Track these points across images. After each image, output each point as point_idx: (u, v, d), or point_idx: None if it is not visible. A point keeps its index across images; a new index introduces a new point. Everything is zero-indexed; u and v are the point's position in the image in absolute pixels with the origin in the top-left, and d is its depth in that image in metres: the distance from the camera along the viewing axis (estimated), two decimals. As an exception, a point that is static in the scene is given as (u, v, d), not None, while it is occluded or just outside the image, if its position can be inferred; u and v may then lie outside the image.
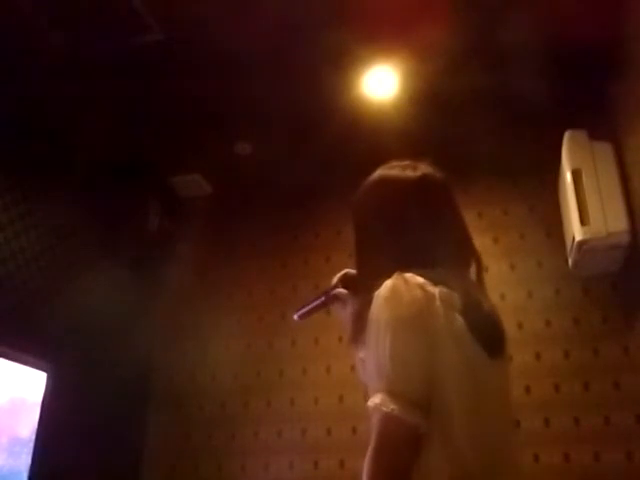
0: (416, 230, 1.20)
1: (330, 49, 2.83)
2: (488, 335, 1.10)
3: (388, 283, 1.08)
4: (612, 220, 2.76)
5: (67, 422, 2.97)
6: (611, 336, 3.04)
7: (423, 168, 1.28)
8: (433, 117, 3.25)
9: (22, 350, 2.86)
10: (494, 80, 2.92)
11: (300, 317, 1.56)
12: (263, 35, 2.80)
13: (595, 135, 2.94)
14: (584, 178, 2.84)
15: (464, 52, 2.83)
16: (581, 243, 2.77)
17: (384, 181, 1.29)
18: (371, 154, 3.43)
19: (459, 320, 1.06)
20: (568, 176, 2.88)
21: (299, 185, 3.73)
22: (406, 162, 1.31)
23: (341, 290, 1.43)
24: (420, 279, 1.08)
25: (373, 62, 3.00)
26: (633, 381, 2.90)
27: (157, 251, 3.86)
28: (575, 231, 2.79)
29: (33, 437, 2.86)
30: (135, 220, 3.75)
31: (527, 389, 3.02)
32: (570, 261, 3.00)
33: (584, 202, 2.79)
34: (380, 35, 2.80)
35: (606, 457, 2.84)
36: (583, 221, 2.76)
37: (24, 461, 2.82)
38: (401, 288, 1.06)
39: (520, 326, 3.17)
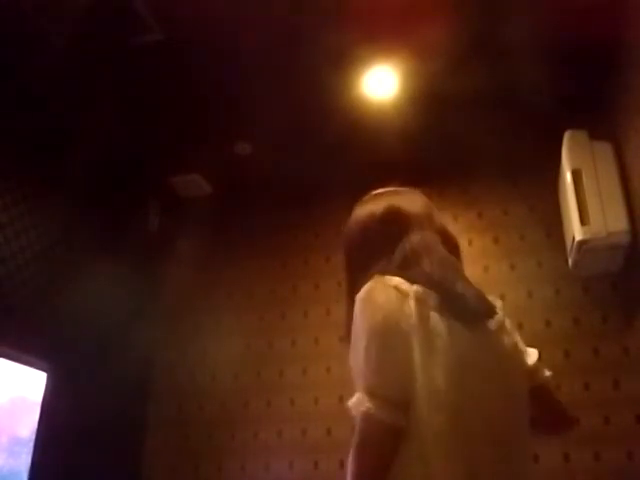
0: (385, 247, 1.24)
1: (330, 49, 2.83)
2: (465, 311, 1.12)
3: (366, 286, 1.12)
4: (612, 220, 2.76)
5: (67, 422, 2.97)
6: (611, 336, 3.04)
7: (390, 200, 1.33)
8: (433, 117, 3.25)
9: (22, 350, 2.86)
10: (494, 80, 2.92)
11: None
12: (263, 35, 2.80)
13: (595, 135, 2.94)
14: (584, 178, 2.84)
15: (464, 52, 2.83)
16: (581, 243, 2.78)
17: (360, 217, 1.35)
18: (371, 154, 3.47)
19: (434, 317, 1.08)
20: (568, 176, 2.88)
21: (299, 185, 3.73)
22: (372, 194, 1.39)
23: None
24: (396, 279, 1.12)
25: (373, 62, 3.00)
26: (633, 381, 2.90)
27: (157, 251, 3.86)
28: (575, 231, 2.79)
29: (33, 437, 2.86)
30: (135, 220, 3.75)
31: (527, 389, 3.02)
32: (570, 261, 3.00)
33: (584, 202, 2.79)
34: (380, 35, 2.80)
35: (606, 457, 2.84)
36: (583, 221, 2.76)
37: (24, 461, 2.82)
38: (375, 290, 1.10)
39: (520, 326, 3.16)
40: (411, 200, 1.33)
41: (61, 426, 2.94)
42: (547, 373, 1.30)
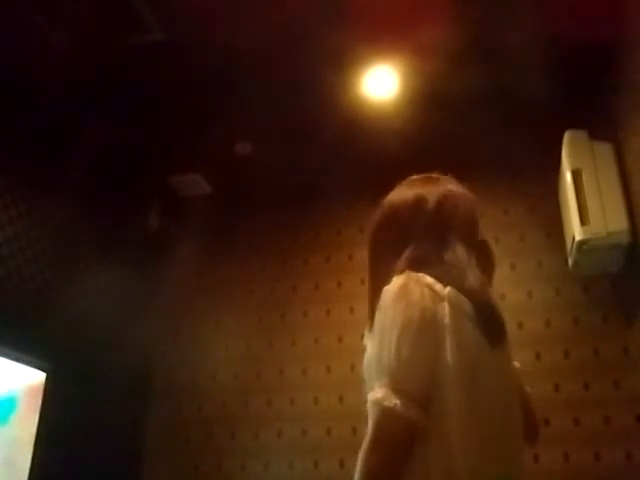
0: (426, 238, 1.21)
1: (330, 49, 2.83)
2: (492, 326, 1.12)
3: (398, 280, 1.11)
4: (612, 220, 2.76)
5: (67, 422, 2.97)
6: (611, 336, 3.04)
7: (444, 185, 1.30)
8: (433, 117, 3.25)
9: (22, 350, 2.86)
10: (494, 80, 2.92)
11: None
12: (263, 35, 2.80)
13: (595, 135, 2.94)
14: (584, 178, 2.84)
15: (464, 52, 2.83)
16: (581, 243, 2.78)
17: (407, 196, 1.29)
18: (371, 154, 3.48)
19: (465, 322, 1.08)
20: (568, 176, 2.88)
21: (299, 185, 3.73)
22: (424, 176, 1.33)
23: None
24: (430, 279, 1.11)
25: (373, 62, 3.00)
26: (633, 381, 2.90)
27: (157, 251, 3.86)
28: (575, 231, 2.79)
29: (33, 437, 2.86)
30: (135, 220, 3.75)
31: (527, 389, 3.01)
32: (570, 261, 3.00)
33: (584, 202, 2.79)
34: (380, 35, 2.80)
35: (606, 457, 2.84)
36: (583, 221, 2.76)
37: (24, 461, 2.82)
38: (410, 287, 1.09)
39: (520, 326, 3.17)
40: (465, 199, 1.30)
41: (61, 426, 2.94)
42: (528, 389, 1.33)
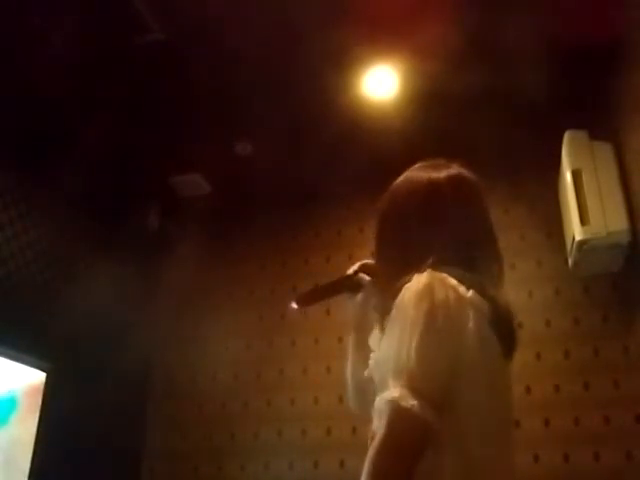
0: (447, 228, 1.20)
1: (330, 49, 2.83)
2: (509, 338, 1.13)
3: (422, 279, 1.08)
4: (612, 220, 2.76)
5: (67, 422, 2.97)
6: (611, 336, 3.04)
7: (456, 168, 1.31)
8: (433, 117, 3.25)
9: (22, 350, 2.86)
10: (494, 80, 2.92)
11: (301, 303, 1.41)
12: (263, 35, 2.80)
13: (595, 135, 2.94)
14: (584, 178, 2.84)
15: (464, 52, 2.83)
16: (581, 243, 2.78)
17: (419, 181, 1.29)
18: (371, 154, 3.47)
19: (486, 327, 1.07)
20: (568, 176, 2.88)
21: (299, 185, 3.73)
22: (437, 162, 1.33)
23: (363, 275, 1.42)
24: (454, 281, 1.08)
25: (373, 62, 3.00)
26: (633, 381, 2.90)
27: (157, 251, 3.86)
28: (575, 231, 2.79)
29: (33, 437, 2.86)
30: (135, 220, 3.75)
31: (527, 389, 3.02)
32: (570, 261, 3.00)
33: (584, 202, 2.80)
34: (380, 35, 2.80)
35: (606, 457, 2.84)
36: (583, 221, 2.76)
37: (24, 461, 2.82)
38: (435, 287, 1.06)
39: (520, 326, 3.14)
40: (478, 188, 1.32)
41: (61, 426, 2.94)
42: None
